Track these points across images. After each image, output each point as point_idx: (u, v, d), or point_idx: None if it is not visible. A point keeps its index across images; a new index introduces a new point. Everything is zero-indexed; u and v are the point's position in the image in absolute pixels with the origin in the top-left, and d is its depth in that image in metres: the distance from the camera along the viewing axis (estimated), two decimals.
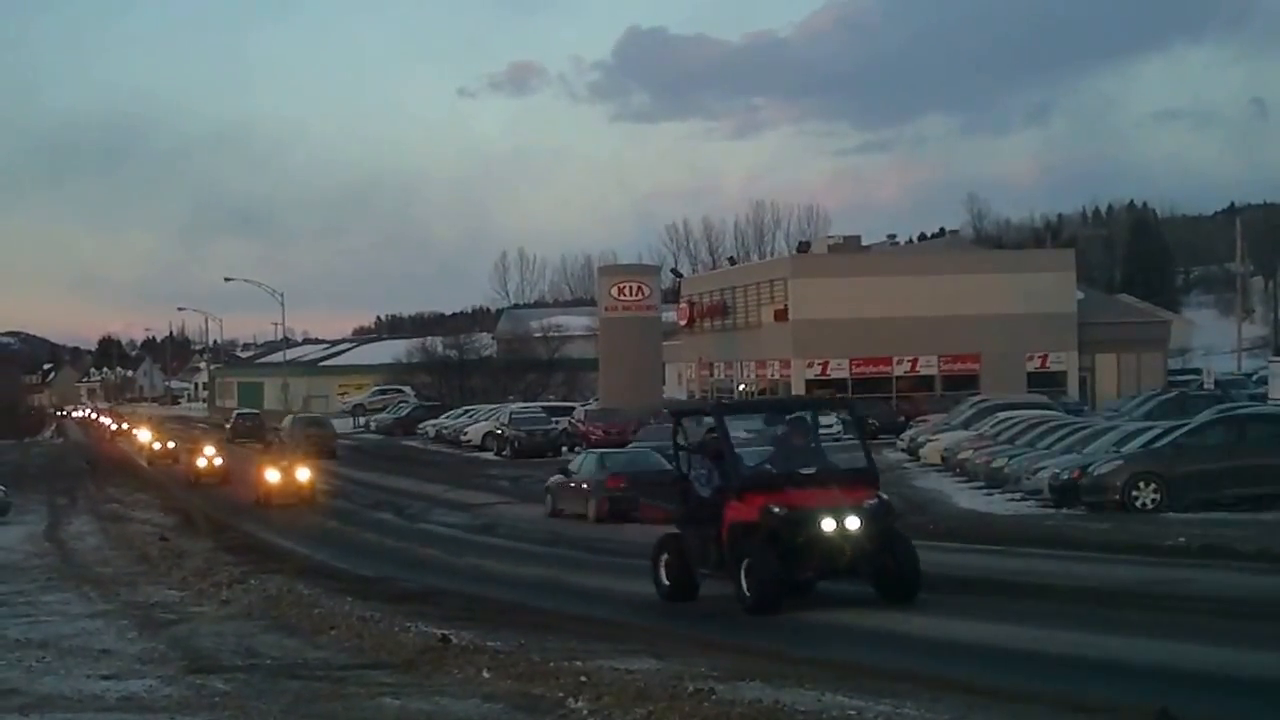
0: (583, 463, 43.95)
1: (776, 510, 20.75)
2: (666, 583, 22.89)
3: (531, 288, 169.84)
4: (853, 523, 20.67)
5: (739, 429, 23.79)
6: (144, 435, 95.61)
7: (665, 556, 22.94)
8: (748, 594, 20.65)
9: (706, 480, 22.27)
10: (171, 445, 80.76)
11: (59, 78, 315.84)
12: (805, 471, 21.83)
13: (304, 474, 49.63)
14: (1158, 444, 35.58)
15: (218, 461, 60.96)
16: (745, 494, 21.28)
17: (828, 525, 20.58)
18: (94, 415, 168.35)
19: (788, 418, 23.60)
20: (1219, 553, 26.23)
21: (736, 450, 22.18)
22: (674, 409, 28.53)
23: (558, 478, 44.04)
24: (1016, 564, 26.34)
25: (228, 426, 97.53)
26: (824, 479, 21.63)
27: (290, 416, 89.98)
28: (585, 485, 41.54)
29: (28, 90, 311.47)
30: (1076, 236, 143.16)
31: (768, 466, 22.18)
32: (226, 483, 58.22)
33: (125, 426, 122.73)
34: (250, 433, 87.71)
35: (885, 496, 22.26)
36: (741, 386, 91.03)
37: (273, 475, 49.34)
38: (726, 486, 21.65)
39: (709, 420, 23.79)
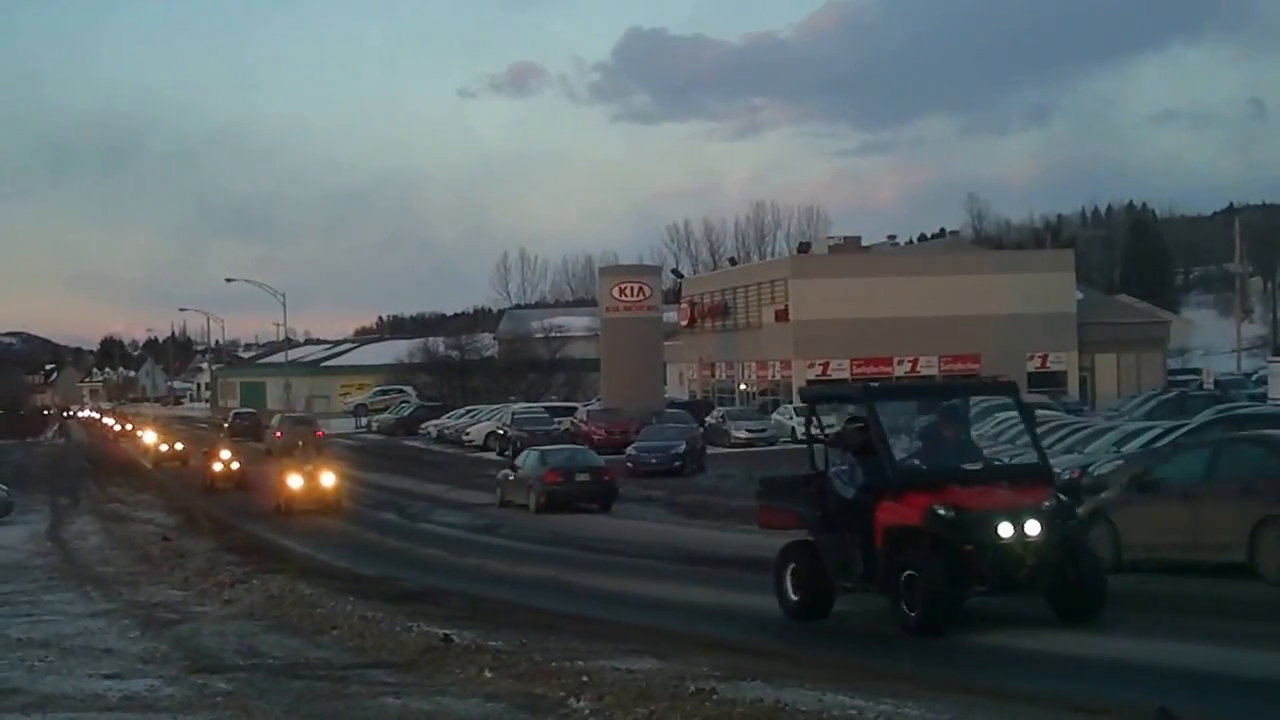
0: (526, 459, 47.02)
1: (943, 512, 17.99)
2: (795, 597, 20.13)
3: (533, 288, 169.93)
4: (1033, 527, 17.90)
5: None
6: (149, 436, 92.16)
7: (793, 567, 20.18)
8: (911, 612, 17.89)
9: (849, 478, 19.62)
10: (180, 447, 78.28)
11: (61, 77, 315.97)
12: (970, 467, 19.28)
13: (329, 479, 46.58)
14: (1158, 444, 35.57)
15: (235, 465, 57.65)
16: (904, 493, 18.53)
17: (1005, 530, 17.82)
18: (97, 416, 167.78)
19: (943, 404, 20.52)
20: None
21: (889, 442, 19.11)
22: (808, 393, 23.36)
23: (505, 472, 47.98)
24: None
25: (225, 426, 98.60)
26: (992, 476, 19.23)
27: (278, 416, 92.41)
28: (527, 479, 45.14)
29: (30, 89, 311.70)
30: (1076, 237, 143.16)
31: (916, 462, 19.28)
32: (244, 488, 55.18)
33: (130, 427, 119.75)
34: (247, 431, 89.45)
35: (1064, 497, 19.51)
36: (743, 387, 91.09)
37: (295, 481, 46.21)
38: (879, 485, 18.86)
39: (851, 407, 21.10)
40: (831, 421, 22.43)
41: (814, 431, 20.84)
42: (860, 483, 19.29)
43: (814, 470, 20.35)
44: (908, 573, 17.92)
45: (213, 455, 59.24)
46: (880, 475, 18.89)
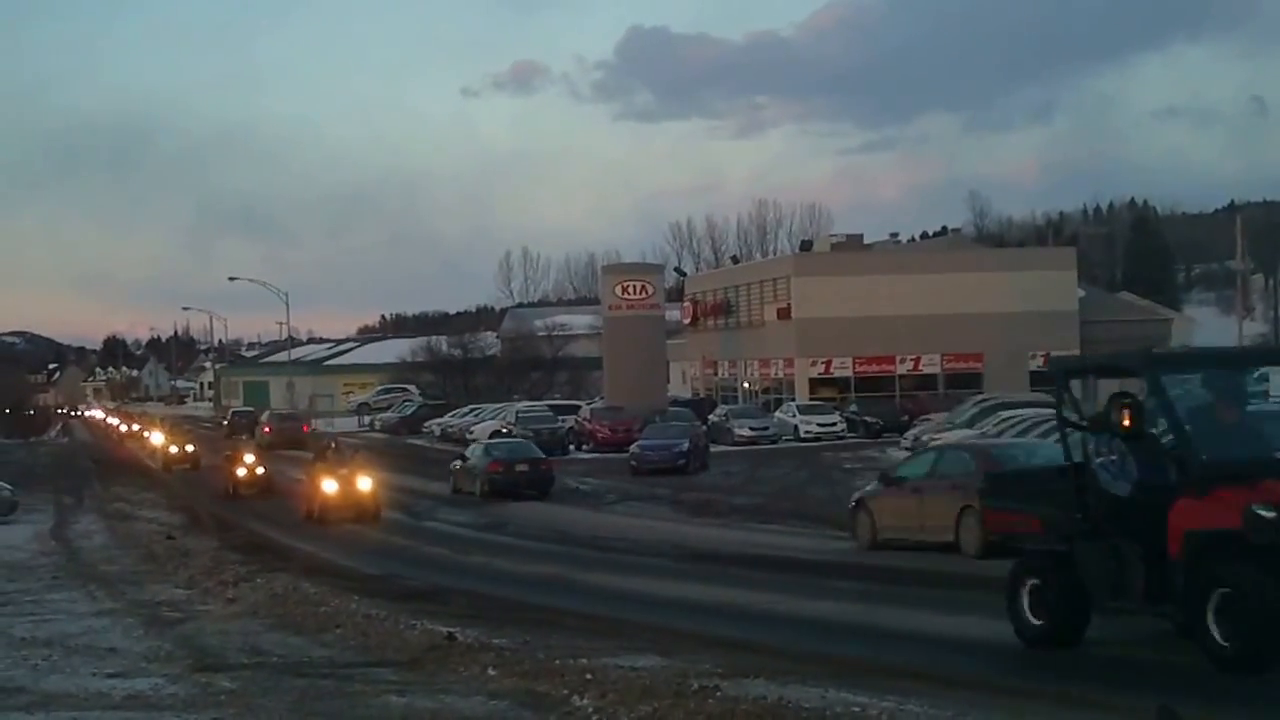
0: (474, 451, 52.28)
1: (1268, 514, 13.95)
2: (1037, 621, 16.59)
3: (535, 287, 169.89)
4: None
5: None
6: (157, 438, 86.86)
7: (1036, 584, 16.57)
8: (1225, 642, 14.15)
9: (1119, 470, 15.68)
10: (190, 449, 73.14)
11: (66, 78, 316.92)
12: None
13: (366, 483, 42.68)
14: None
15: (259, 470, 53.43)
16: (1212, 489, 14.54)
17: None
18: (101, 415, 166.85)
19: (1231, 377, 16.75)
20: None
21: (1186, 425, 15.33)
22: (1060, 364, 19.51)
23: (456, 463, 52.79)
24: None
25: (224, 424, 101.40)
26: None
27: (267, 412, 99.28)
28: (474, 469, 49.86)
29: (35, 90, 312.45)
30: (1078, 234, 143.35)
31: (1216, 451, 14.99)
32: (270, 493, 51.54)
33: (136, 428, 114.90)
34: (246, 430, 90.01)
35: None
36: (745, 384, 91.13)
37: (329, 485, 42.36)
38: (1168, 479, 15.14)
39: (1115, 381, 17.19)
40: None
41: (1067, 414, 17.02)
42: (1137, 476, 15.49)
43: (1071, 462, 16.59)
44: (1221, 590, 14.20)
45: (236, 458, 54.59)
46: (1161, 468, 15.40)
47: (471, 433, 78.48)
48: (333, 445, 48.69)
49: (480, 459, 50.03)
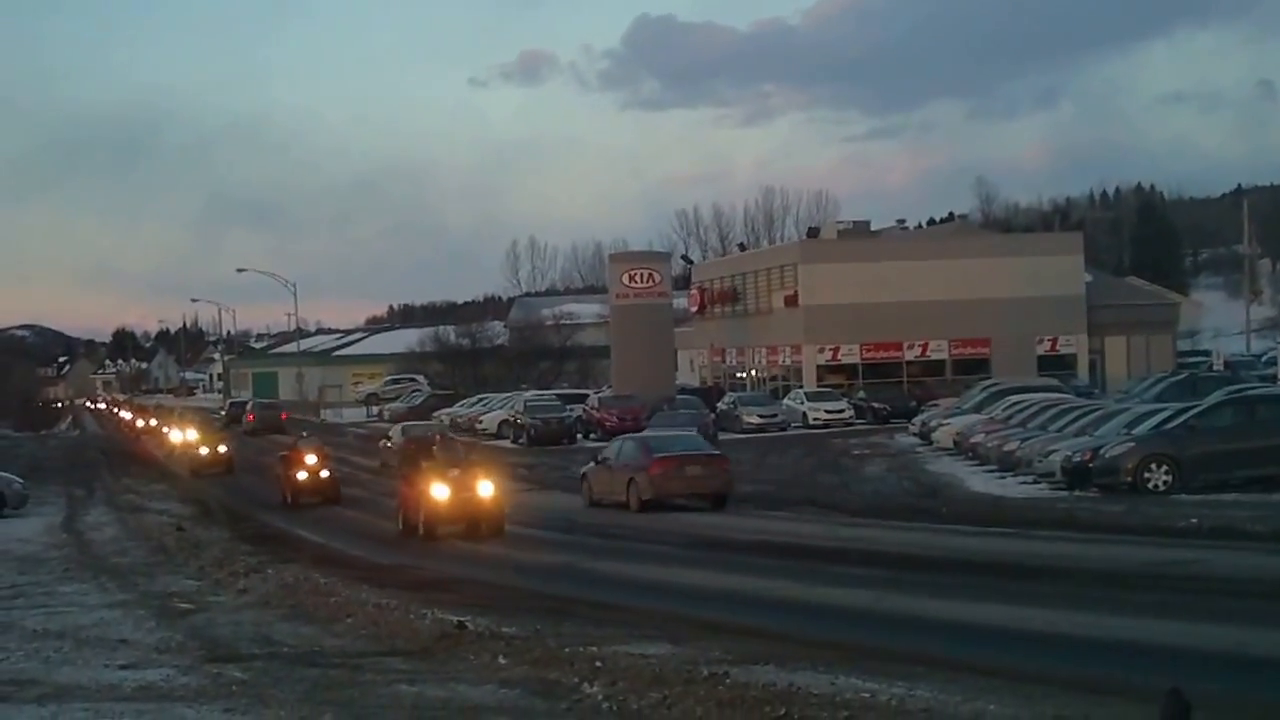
0: (394, 433, 62.13)
1: None
2: None
3: (543, 276, 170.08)
4: None
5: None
6: (179, 435, 79.10)
7: None
8: None
9: None
10: (223, 450, 63.28)
11: (74, 72, 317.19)
12: None
13: (487, 488, 33.97)
14: (1169, 426, 35.59)
15: (324, 474, 45.59)
16: None
17: None
18: (113, 409, 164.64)
19: None
20: (1230, 533, 26.33)
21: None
22: None
23: (384, 441, 63.15)
24: (1029, 546, 26.39)
25: (222, 413, 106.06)
26: None
27: (251, 401, 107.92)
28: (392, 447, 58.59)
29: (43, 84, 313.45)
30: (1084, 220, 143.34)
31: None
32: (335, 500, 45.11)
33: (153, 423, 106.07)
34: (239, 420, 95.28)
35: None
36: (752, 371, 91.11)
37: (440, 491, 33.42)
38: None
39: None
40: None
41: None
42: None
43: None
44: None
45: (294, 460, 46.01)
46: None
47: (480, 422, 78.78)
48: (437, 439, 43.78)
49: (399, 439, 58.20)
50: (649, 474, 37.94)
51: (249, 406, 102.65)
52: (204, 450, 57.24)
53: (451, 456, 36.45)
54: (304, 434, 48.67)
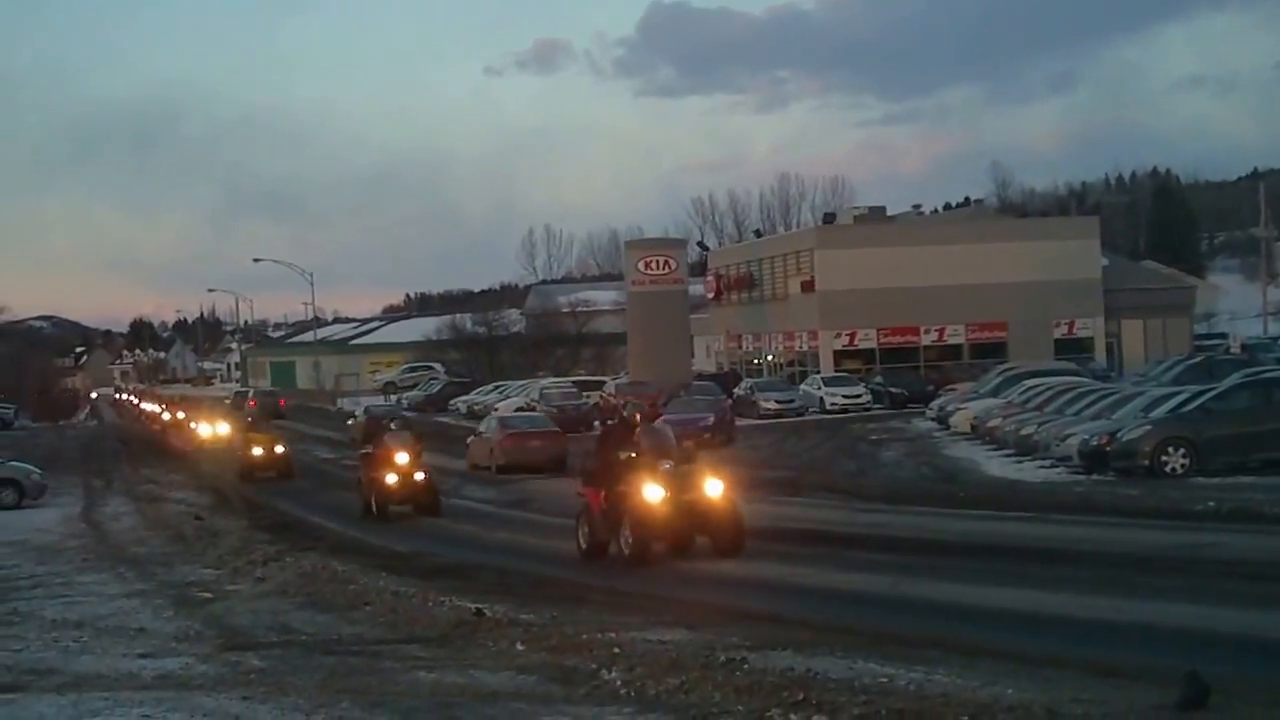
0: (359, 412, 71.62)
1: None
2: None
3: (559, 263, 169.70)
4: None
5: None
6: (207, 429, 76.22)
7: None
8: None
9: None
10: (280, 450, 53.68)
11: (92, 64, 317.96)
12: None
13: (715, 487, 24.61)
14: (1186, 409, 35.54)
15: (418, 475, 37.40)
16: None
17: None
18: (134, 399, 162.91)
19: None
20: (1247, 516, 26.30)
21: None
22: None
23: (351, 422, 70.91)
24: (1046, 530, 26.38)
25: (227, 402, 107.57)
26: None
27: (251, 389, 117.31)
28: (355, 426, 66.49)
29: (60, 76, 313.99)
30: (1100, 204, 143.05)
31: None
32: (434, 511, 37.24)
33: (180, 415, 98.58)
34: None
35: None
36: (770, 357, 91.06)
37: (653, 492, 24.33)
38: None
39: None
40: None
41: None
42: None
43: None
44: None
45: (382, 460, 37.55)
46: None
47: (497, 409, 78.89)
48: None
49: (361, 418, 63.64)
50: (502, 445, 50.12)
51: (251, 394, 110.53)
52: (257, 450, 51.93)
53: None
54: (392, 425, 42.87)
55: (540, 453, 48.29)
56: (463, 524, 35.63)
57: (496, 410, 64.94)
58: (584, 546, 26.07)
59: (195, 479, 54.08)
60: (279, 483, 50.49)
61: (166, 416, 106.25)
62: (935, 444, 49.88)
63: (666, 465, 24.84)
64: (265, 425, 57.04)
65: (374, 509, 37.00)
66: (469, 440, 54.59)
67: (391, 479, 37.18)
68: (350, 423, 70.48)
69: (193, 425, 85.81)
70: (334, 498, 44.27)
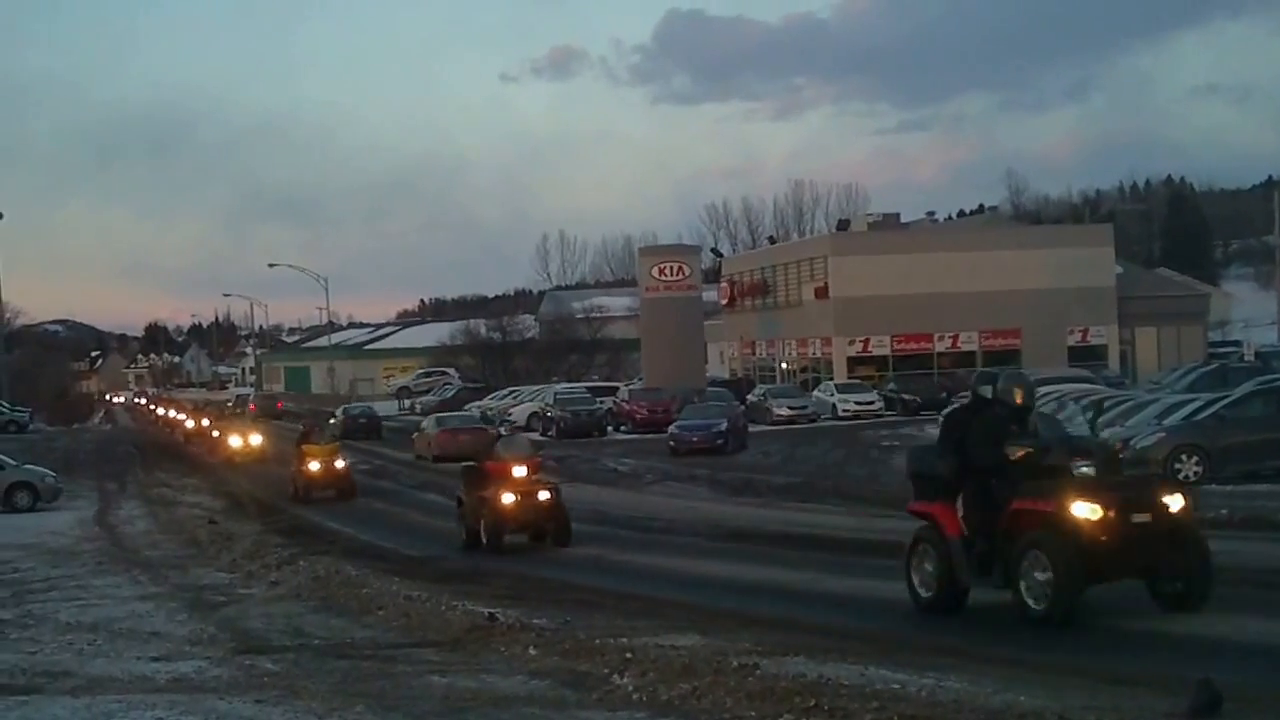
0: (339, 412, 77.61)
1: None
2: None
3: (573, 269, 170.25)
4: None
5: None
6: (239, 440, 68.35)
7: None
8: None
9: None
10: (341, 465, 46.31)
11: (108, 70, 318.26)
12: None
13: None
14: (1199, 416, 35.48)
15: (543, 495, 30.22)
16: None
17: None
18: (150, 404, 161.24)
19: None
20: (1261, 524, 26.23)
21: None
22: None
23: (332, 421, 72.96)
24: None
25: (229, 405, 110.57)
26: None
27: (251, 393, 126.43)
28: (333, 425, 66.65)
29: (77, 82, 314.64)
30: (1115, 211, 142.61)
31: None
32: (562, 538, 30.19)
33: (205, 424, 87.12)
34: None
35: None
36: (784, 365, 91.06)
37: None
38: None
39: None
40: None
41: None
42: None
43: None
44: None
45: (500, 474, 30.56)
46: None
47: (510, 414, 78.98)
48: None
49: (339, 422, 72.71)
50: (438, 439, 59.71)
51: (251, 397, 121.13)
52: (314, 464, 45.08)
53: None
54: (503, 431, 41.05)
55: (468, 445, 50.17)
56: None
57: (442, 414, 71.45)
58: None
59: (226, 494, 51.19)
60: (340, 503, 43.43)
61: (190, 424, 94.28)
62: None
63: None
64: (321, 435, 47.80)
65: (484, 539, 30.04)
66: (414, 435, 66.01)
67: (508, 499, 29.96)
68: (331, 422, 70.42)
69: (216, 433, 76.34)
70: (416, 520, 38.60)
